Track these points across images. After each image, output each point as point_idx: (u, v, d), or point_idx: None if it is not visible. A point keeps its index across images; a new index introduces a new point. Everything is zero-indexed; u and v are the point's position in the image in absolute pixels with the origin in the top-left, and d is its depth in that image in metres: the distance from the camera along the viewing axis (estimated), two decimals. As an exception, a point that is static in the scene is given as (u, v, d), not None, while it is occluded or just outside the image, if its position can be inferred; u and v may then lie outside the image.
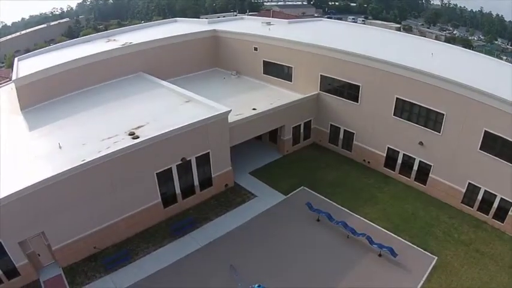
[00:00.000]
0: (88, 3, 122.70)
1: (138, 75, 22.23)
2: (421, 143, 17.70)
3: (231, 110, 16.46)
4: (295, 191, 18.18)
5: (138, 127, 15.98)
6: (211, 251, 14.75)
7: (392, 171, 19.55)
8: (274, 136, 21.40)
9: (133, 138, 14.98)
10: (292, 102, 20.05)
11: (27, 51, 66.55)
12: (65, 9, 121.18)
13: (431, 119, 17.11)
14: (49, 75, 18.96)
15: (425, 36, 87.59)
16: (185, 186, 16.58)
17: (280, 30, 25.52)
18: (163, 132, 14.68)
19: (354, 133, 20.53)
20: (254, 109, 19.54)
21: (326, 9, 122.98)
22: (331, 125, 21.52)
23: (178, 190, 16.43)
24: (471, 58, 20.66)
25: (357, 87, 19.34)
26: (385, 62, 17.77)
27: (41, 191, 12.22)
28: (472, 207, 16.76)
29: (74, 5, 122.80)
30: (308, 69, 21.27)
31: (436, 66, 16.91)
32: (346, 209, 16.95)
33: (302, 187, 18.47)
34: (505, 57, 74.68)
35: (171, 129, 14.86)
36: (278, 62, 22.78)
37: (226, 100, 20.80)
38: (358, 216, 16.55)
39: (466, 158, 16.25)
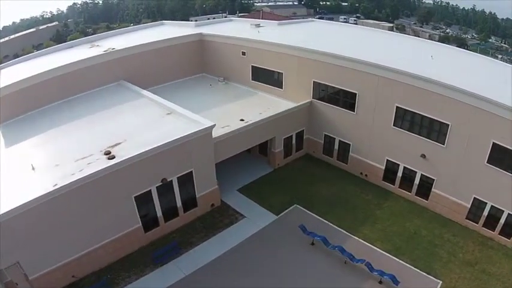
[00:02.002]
0: (78, 6, 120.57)
1: (119, 84, 20.72)
2: (423, 156, 16.40)
3: (214, 125, 14.94)
4: (287, 210, 16.72)
5: (115, 145, 14.49)
6: (196, 280, 13.30)
7: (391, 185, 18.23)
8: (264, 148, 19.94)
9: (109, 159, 13.59)
10: (283, 112, 18.59)
11: (16, 56, 64.85)
12: (55, 13, 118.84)
13: (434, 130, 15.81)
14: (25, 86, 17.48)
15: (419, 35, 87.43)
16: (167, 208, 15.08)
17: (270, 32, 24.17)
18: (140, 152, 13.21)
19: (350, 144, 19.16)
20: (242, 120, 18.04)
21: (317, 9, 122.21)
22: (325, 135, 20.13)
23: (159, 213, 14.91)
24: (472, 60, 19.45)
25: (353, 94, 17.97)
26: (384, 68, 16.43)
27: (11, 220, 11.13)
28: (477, 223, 15.62)
29: (64, 8, 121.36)
30: (300, 76, 19.86)
31: (438, 71, 15.66)
32: (343, 230, 15.55)
33: (295, 205, 17.02)
34: (500, 56, 74.79)
35: (149, 148, 13.36)
36: (267, 68, 21.34)
37: (212, 110, 19.45)
38: (357, 238, 15.18)
39: (472, 171, 15.03)
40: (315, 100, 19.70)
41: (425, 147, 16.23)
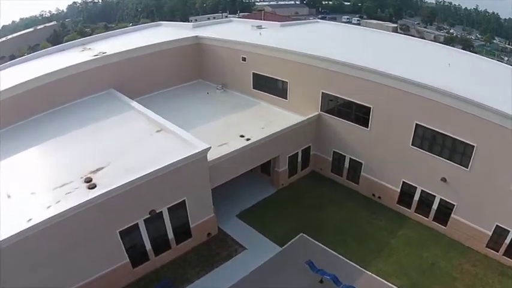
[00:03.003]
0: (78, 5, 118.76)
1: (108, 93, 18.88)
2: (443, 179, 14.64)
3: (210, 148, 13.06)
4: (292, 240, 14.89)
5: (97, 170, 12.69)
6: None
7: (407, 209, 16.42)
8: (266, 166, 18.05)
9: (89, 188, 11.84)
10: (288, 128, 16.69)
11: (12, 57, 63.31)
12: (54, 12, 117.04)
13: (458, 152, 14.02)
14: (5, 97, 15.67)
15: (423, 36, 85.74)
16: (157, 240, 13.29)
17: (272, 34, 22.30)
18: (123, 183, 11.37)
19: (361, 163, 17.31)
20: (242, 136, 16.19)
21: (319, 9, 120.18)
22: (334, 152, 18.27)
23: (148, 246, 13.11)
24: (493, 70, 17.59)
25: (367, 109, 16.08)
26: (403, 80, 14.53)
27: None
28: (498, 252, 14.11)
29: (64, 7, 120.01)
30: (307, 85, 17.97)
31: (460, 83, 13.93)
32: (355, 264, 13.78)
33: (301, 234, 15.19)
34: (506, 58, 73.07)
35: (133, 178, 11.51)
36: (270, 76, 19.41)
37: (209, 124, 17.62)
38: (370, 273, 13.44)
39: (497, 197, 13.35)
40: (324, 113, 17.82)
41: (446, 170, 14.47)
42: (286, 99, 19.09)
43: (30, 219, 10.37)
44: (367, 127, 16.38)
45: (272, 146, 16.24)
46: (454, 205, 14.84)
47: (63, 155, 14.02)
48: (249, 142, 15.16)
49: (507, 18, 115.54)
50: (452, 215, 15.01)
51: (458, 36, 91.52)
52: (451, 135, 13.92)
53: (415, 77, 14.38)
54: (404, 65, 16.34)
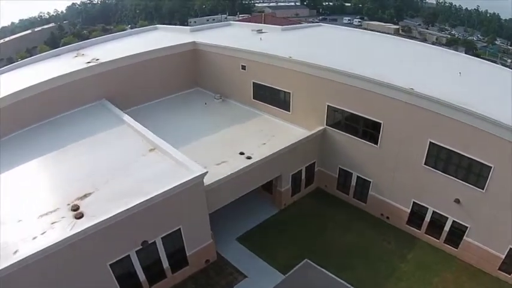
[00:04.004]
0: (77, 6, 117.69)
1: (100, 104, 17.83)
2: (457, 201, 13.66)
3: (206, 173, 12.00)
4: (296, 267, 13.87)
5: (84, 196, 11.68)
6: None
7: (417, 230, 15.42)
8: (268, 184, 16.87)
9: (76, 217, 10.88)
10: (292, 145, 15.59)
11: (10, 60, 62.15)
12: (53, 13, 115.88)
13: (473, 172, 13.02)
14: None
15: (425, 38, 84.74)
16: (151, 271, 12.25)
17: (274, 39, 21.29)
18: (113, 214, 10.34)
19: (370, 182, 16.26)
20: (242, 154, 15.16)
21: (320, 10, 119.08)
22: (340, 169, 17.21)
23: (142, 277, 12.07)
24: (502, 76, 16.59)
25: (377, 124, 14.98)
26: (417, 95, 13.44)
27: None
28: (510, 275, 13.29)
29: (63, 8, 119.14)
30: (311, 97, 16.88)
31: (476, 97, 12.97)
32: (364, 294, 12.85)
33: (305, 260, 14.17)
34: (509, 60, 72.02)
35: (124, 209, 10.47)
36: (272, 86, 18.31)
37: (206, 139, 16.62)
38: (380, 305, 12.52)
39: (512, 219, 12.33)
40: (329, 128, 16.74)
41: (460, 191, 13.48)
42: (289, 111, 18.02)
43: (16, 251, 9.49)
44: (377, 144, 15.30)
45: (274, 164, 15.20)
46: (467, 227, 13.89)
47: (50, 176, 13.07)
48: (250, 162, 14.09)
49: (507, 18, 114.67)
50: (464, 237, 14.09)
51: (461, 37, 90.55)
52: (467, 155, 12.91)
53: (428, 91, 13.34)
54: (415, 75, 15.36)
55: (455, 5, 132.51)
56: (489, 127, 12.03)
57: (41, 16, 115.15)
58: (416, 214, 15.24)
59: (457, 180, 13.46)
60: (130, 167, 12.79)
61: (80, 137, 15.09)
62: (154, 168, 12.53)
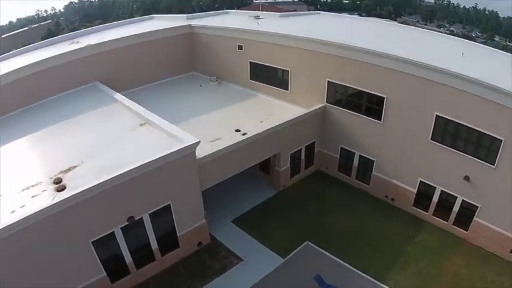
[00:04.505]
0: (75, 4, 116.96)
1: (93, 87, 17.02)
2: (466, 178, 12.84)
3: (199, 142, 11.07)
4: (296, 250, 12.94)
5: (69, 169, 10.78)
6: None
7: (424, 212, 14.57)
8: (266, 164, 16.07)
9: (58, 190, 9.96)
10: (290, 121, 14.75)
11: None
12: (51, 12, 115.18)
13: (483, 146, 12.22)
14: None
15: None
16: (139, 252, 11.30)
17: (271, 24, 20.43)
18: (95, 184, 9.43)
19: (373, 161, 15.39)
20: (238, 131, 14.27)
21: (318, 7, 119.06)
22: (341, 149, 16.35)
23: (128, 258, 11.13)
24: (504, 57, 15.81)
25: (380, 99, 14.19)
26: (423, 66, 12.69)
27: None
28: None
29: (61, 7, 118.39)
30: (310, 74, 16.09)
31: (482, 73, 12.02)
32: (369, 277, 11.89)
33: (306, 242, 13.26)
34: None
35: (107, 178, 9.55)
36: (269, 65, 17.55)
37: (200, 117, 15.77)
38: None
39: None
40: (330, 105, 15.91)
41: (470, 168, 12.67)
42: (287, 90, 17.20)
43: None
44: (380, 120, 14.48)
45: (272, 141, 14.29)
46: (477, 207, 13.05)
47: (35, 153, 12.20)
48: (246, 137, 13.19)
49: (506, 16, 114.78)
50: (474, 218, 13.24)
51: (460, 34, 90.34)
52: (476, 128, 12.12)
53: (434, 63, 12.56)
54: (419, 53, 14.53)
55: (453, 3, 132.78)
56: (499, 98, 11.25)
57: (38, 14, 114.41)
58: (424, 194, 14.39)
59: (466, 155, 12.65)
60: (120, 142, 11.87)
61: (69, 115, 14.22)
62: (144, 142, 11.62)
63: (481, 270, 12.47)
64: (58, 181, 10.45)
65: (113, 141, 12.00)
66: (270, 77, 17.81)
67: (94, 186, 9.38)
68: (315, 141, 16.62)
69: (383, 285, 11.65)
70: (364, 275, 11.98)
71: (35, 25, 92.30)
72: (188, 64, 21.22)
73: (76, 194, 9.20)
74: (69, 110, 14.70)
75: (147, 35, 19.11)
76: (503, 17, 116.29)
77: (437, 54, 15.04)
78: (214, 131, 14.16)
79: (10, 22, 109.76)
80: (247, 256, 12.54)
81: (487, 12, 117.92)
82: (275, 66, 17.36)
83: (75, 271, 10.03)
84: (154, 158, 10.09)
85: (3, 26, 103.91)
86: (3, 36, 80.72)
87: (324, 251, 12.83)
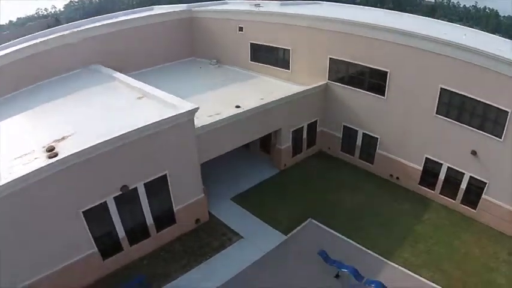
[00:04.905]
0: (75, 3, 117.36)
1: (91, 68, 16.70)
2: (473, 153, 12.42)
3: (197, 108, 10.63)
4: (300, 227, 12.44)
5: (63, 138, 10.35)
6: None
7: (431, 191, 14.10)
8: (266, 143, 15.67)
9: (50, 157, 9.45)
10: (291, 97, 14.34)
11: None
12: (51, 10, 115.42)
13: (489, 119, 11.84)
14: None
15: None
16: (132, 226, 10.80)
17: (272, 10, 20.20)
18: (87, 147, 8.99)
19: (377, 138, 14.94)
20: (238, 107, 13.81)
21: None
22: (344, 127, 15.90)
23: (121, 233, 10.62)
24: (505, 43, 15.51)
25: (383, 74, 13.79)
26: (425, 38, 12.38)
27: None
28: None
29: (61, 6, 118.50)
30: (312, 52, 15.73)
31: (485, 48, 11.65)
32: (376, 255, 11.38)
33: (309, 219, 12.77)
34: None
35: (99, 141, 9.09)
36: (270, 44, 17.24)
37: (199, 96, 15.22)
38: (396, 265, 11.06)
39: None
40: (332, 82, 15.50)
41: (476, 142, 12.29)
42: (289, 69, 16.83)
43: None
44: (383, 95, 14.09)
45: (272, 116, 13.83)
46: (485, 183, 12.59)
47: (30, 126, 11.80)
48: (246, 109, 12.72)
49: (506, 15, 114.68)
50: (483, 195, 12.78)
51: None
52: (482, 100, 11.74)
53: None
54: (423, 30, 14.18)
55: (453, 2, 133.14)
56: (505, 68, 10.88)
57: (38, 13, 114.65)
58: (430, 172, 13.94)
59: (472, 129, 12.27)
60: (117, 113, 11.42)
61: (68, 93, 13.89)
62: (142, 113, 11.08)
63: (493, 249, 12.01)
64: (50, 149, 10.04)
65: (110, 114, 11.56)
66: (270, 57, 17.51)
67: (83, 150, 8.93)
68: (317, 120, 16.18)
69: (391, 263, 11.16)
70: (371, 252, 11.47)
71: (32, 23, 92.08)
72: (188, 49, 20.88)
73: (66, 157, 8.76)
74: (67, 89, 14.39)
75: (145, 19, 18.82)
76: (504, 16, 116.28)
77: (440, 34, 14.78)
78: (214, 107, 13.65)
79: (10, 21, 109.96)
80: (247, 233, 12.03)
81: (487, 11, 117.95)
82: (276, 46, 17.07)
83: (64, 244, 9.52)
84: (148, 123, 9.62)
85: (3, 25, 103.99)
86: (3, 33, 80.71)
87: (328, 228, 12.33)
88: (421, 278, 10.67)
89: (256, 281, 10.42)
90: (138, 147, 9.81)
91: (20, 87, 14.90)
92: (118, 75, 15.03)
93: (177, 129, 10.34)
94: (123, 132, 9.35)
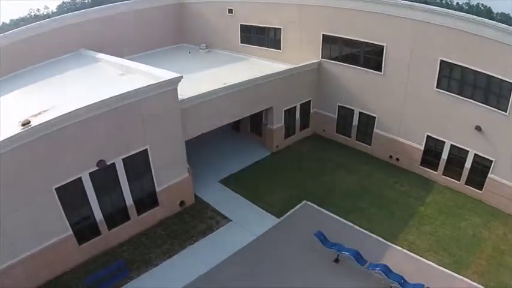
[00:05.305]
0: (68, 4, 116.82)
1: (78, 52, 15.95)
2: (478, 128, 11.68)
3: (181, 77, 9.74)
4: (294, 209, 11.54)
5: (39, 113, 9.45)
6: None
7: (433, 172, 13.30)
8: (257, 125, 14.85)
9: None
10: (281, 73, 13.58)
11: None
12: (44, 11, 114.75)
13: (493, 92, 11.13)
14: None
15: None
16: (111, 208, 9.86)
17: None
18: (60, 114, 8.12)
19: (374, 117, 14.17)
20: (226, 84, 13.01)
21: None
22: (339, 107, 15.13)
23: (99, 215, 9.67)
24: None
25: (379, 48, 13.09)
26: (422, 9, 11.81)
27: None
28: None
29: (54, 7, 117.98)
30: (304, 29, 15.04)
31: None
32: (378, 237, 10.52)
33: (304, 201, 11.88)
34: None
35: (73, 109, 8.21)
36: (261, 25, 16.54)
37: (187, 76, 14.21)
38: (400, 249, 10.20)
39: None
40: (326, 60, 14.75)
41: (480, 116, 11.56)
42: (280, 49, 16.11)
43: None
44: (380, 71, 13.35)
45: (263, 93, 13.00)
46: (491, 162, 11.82)
47: (11, 106, 10.84)
48: (233, 83, 11.86)
49: (499, 12, 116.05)
50: (489, 174, 12.01)
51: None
52: (484, 72, 11.03)
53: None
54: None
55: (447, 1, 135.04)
56: (504, 37, 10.24)
57: (30, 14, 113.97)
58: (432, 151, 13.17)
59: (475, 103, 11.54)
60: (100, 88, 10.48)
61: (52, 75, 13.15)
62: (125, 86, 9.97)
63: (502, 231, 11.24)
64: (26, 122, 9.20)
65: (92, 89, 10.65)
66: (261, 38, 16.84)
67: (55, 118, 8.03)
68: (310, 100, 15.39)
69: (395, 246, 10.28)
70: (372, 235, 10.60)
71: (25, 24, 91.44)
72: (178, 35, 20.33)
73: (35, 127, 7.88)
74: (52, 71, 13.70)
75: (134, 4, 18.16)
76: (497, 13, 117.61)
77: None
78: (202, 85, 12.81)
79: (4, 23, 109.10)
80: (236, 217, 11.09)
81: (481, 7, 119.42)
82: (266, 26, 16.38)
83: (37, 226, 8.59)
84: (127, 91, 8.73)
85: (12, 32, 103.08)
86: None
87: (325, 211, 11.45)
88: (429, 262, 9.83)
89: (246, 266, 9.48)
90: (116, 118, 8.92)
91: (6, 72, 14.09)
92: (102, 56, 14.36)
93: (159, 99, 9.45)
94: (97, 100, 8.46)
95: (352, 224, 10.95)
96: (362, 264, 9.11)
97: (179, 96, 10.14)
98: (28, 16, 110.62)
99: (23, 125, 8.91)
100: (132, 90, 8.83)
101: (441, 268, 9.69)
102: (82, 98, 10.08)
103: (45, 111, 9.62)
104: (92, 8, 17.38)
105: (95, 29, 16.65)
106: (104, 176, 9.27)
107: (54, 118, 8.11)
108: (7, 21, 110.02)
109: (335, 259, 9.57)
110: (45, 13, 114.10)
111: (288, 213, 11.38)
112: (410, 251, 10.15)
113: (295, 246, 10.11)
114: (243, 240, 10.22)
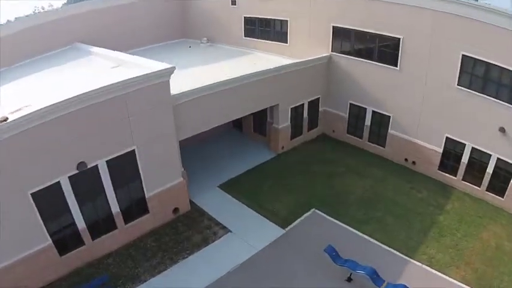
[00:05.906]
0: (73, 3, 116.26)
1: (73, 46, 15.08)
2: (502, 130, 10.54)
3: (174, 68, 8.61)
4: (300, 219, 10.37)
5: (19, 109, 8.31)
6: None
7: (452, 177, 12.13)
8: (261, 124, 13.73)
9: None
10: (287, 67, 12.44)
11: None
12: (48, 8, 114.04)
13: (519, 90, 10.00)
14: None
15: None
16: (95, 215, 8.75)
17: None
18: (32, 111, 7.04)
19: (389, 117, 13.02)
20: (228, 79, 11.88)
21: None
22: (351, 105, 13.99)
23: (81, 223, 8.57)
24: None
25: (396, 41, 11.94)
26: (451, 1, 10.55)
27: None
28: None
29: (59, 4, 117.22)
30: (313, 21, 13.94)
31: None
32: (396, 252, 9.35)
33: (313, 210, 10.71)
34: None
35: (46, 105, 7.11)
36: (266, 16, 15.48)
37: (186, 70, 13.35)
38: (420, 264, 9.05)
39: None
40: (336, 54, 13.62)
41: (505, 118, 10.43)
42: (287, 43, 15.02)
43: None
44: (396, 66, 12.19)
45: (267, 89, 11.83)
46: (515, 167, 10.71)
47: None
48: (233, 77, 10.69)
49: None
50: (512, 181, 10.88)
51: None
52: (510, 69, 9.87)
53: None
54: None
55: None
56: None
57: (35, 12, 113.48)
58: (451, 154, 12.01)
59: (500, 102, 10.38)
60: (85, 83, 9.23)
61: (41, 69, 12.18)
62: (115, 78, 9.00)
63: (527, 243, 10.05)
64: (4, 119, 8.14)
65: (78, 83, 9.47)
66: (266, 31, 15.79)
67: (31, 113, 6.94)
68: (319, 98, 14.23)
69: (414, 261, 9.12)
70: (389, 249, 9.42)
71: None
72: (179, 30, 19.50)
73: (5, 124, 6.80)
74: (43, 65, 12.75)
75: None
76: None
77: None
78: (201, 80, 11.74)
79: (8, 21, 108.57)
80: (236, 227, 9.93)
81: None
82: (272, 17, 15.32)
83: (13, 234, 7.52)
84: (110, 83, 7.59)
85: (1, 25, 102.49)
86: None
87: (335, 220, 10.26)
88: (451, 279, 8.68)
89: (246, 285, 8.31)
90: (98, 115, 7.80)
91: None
92: (96, 49, 13.36)
93: (148, 93, 8.31)
94: (76, 94, 7.33)
95: (367, 237, 9.77)
96: (379, 284, 7.94)
97: (172, 92, 9.04)
98: (33, 14, 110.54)
99: (1, 121, 7.98)
100: (116, 83, 7.71)
101: (465, 286, 8.56)
102: (66, 93, 9.08)
103: (26, 106, 8.53)
104: (89, 0, 16.36)
105: (94, 22, 15.90)
106: (86, 180, 8.17)
107: (25, 115, 7.02)
108: (12, 19, 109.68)
109: (348, 278, 8.40)
110: (50, 10, 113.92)
111: (295, 223, 10.21)
112: (430, 267, 9.00)
113: (302, 263, 8.94)
114: (242, 255, 9.06)
